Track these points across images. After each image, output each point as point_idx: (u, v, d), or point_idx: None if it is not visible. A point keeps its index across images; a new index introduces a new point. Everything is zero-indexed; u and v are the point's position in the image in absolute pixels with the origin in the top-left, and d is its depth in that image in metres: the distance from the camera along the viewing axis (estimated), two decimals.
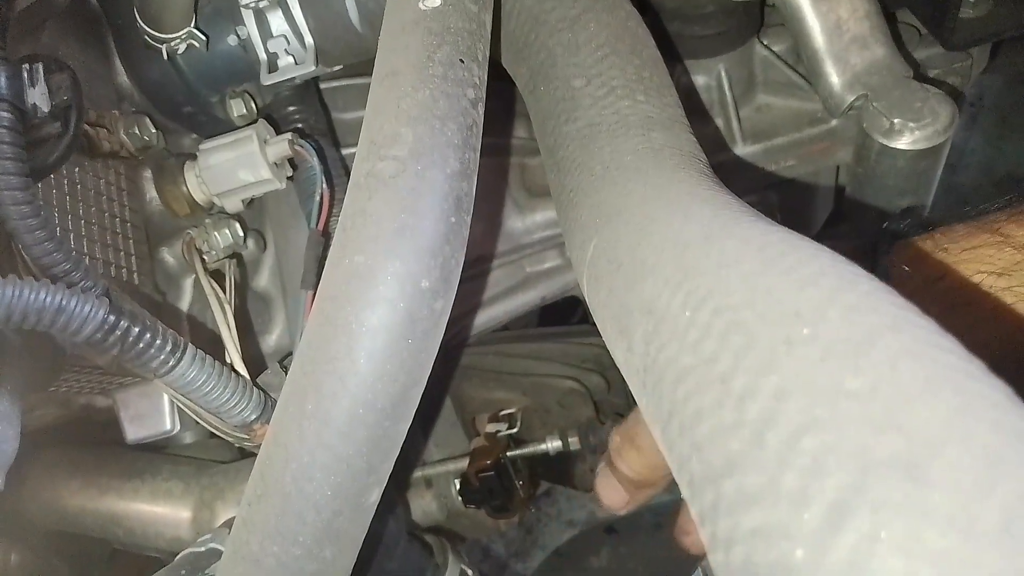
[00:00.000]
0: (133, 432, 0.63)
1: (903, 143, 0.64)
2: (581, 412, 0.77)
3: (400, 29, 0.42)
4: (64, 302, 0.39)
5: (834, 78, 0.68)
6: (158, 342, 0.42)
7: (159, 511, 0.70)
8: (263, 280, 0.73)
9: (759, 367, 0.24)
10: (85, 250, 0.49)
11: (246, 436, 0.49)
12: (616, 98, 0.49)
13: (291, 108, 0.67)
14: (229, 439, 0.50)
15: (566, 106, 0.51)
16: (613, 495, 0.58)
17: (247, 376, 0.49)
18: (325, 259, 0.59)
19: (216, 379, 0.44)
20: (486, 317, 0.87)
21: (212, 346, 0.63)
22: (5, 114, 0.37)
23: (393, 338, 0.35)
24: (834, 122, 0.75)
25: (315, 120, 0.68)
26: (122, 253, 0.53)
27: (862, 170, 0.71)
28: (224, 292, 0.54)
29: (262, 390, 0.50)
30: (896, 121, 0.64)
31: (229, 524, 0.66)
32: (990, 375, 0.22)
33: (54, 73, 0.40)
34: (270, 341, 0.74)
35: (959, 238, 0.50)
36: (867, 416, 0.21)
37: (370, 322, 0.35)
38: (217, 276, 0.60)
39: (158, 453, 0.74)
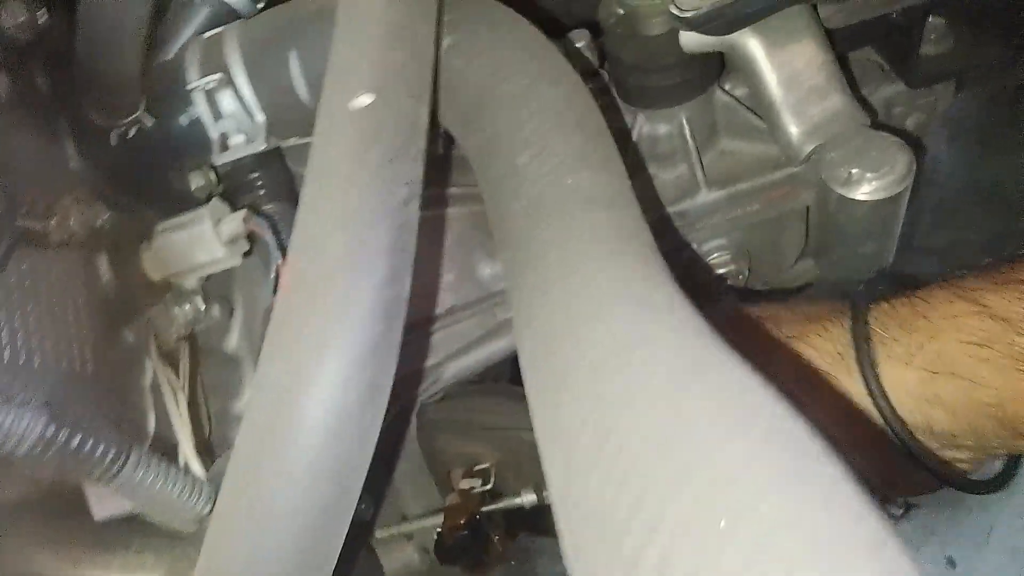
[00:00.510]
0: (100, 511, 0.63)
1: (861, 194, 0.64)
2: None
3: (331, 129, 0.42)
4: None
5: (792, 128, 0.68)
6: (100, 451, 0.42)
7: None
8: (232, 343, 0.73)
9: (650, 523, 0.24)
10: (35, 345, 0.49)
11: (200, 524, 0.49)
12: (559, 175, 0.49)
13: (253, 175, 0.67)
14: (184, 528, 0.50)
15: (512, 183, 0.51)
16: None
17: (200, 469, 0.49)
18: None
19: (163, 480, 0.44)
20: (459, 367, 0.87)
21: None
22: None
23: (319, 459, 0.35)
24: (796, 167, 0.75)
25: (277, 182, 0.69)
26: (75, 344, 0.53)
27: (823, 218, 0.71)
28: (179, 377, 0.54)
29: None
30: (854, 171, 0.64)
31: None
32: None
33: None
34: (239, 405, 0.74)
35: (939, 304, 0.51)
36: None
37: (292, 451, 0.35)
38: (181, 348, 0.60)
39: (130, 523, 0.74)
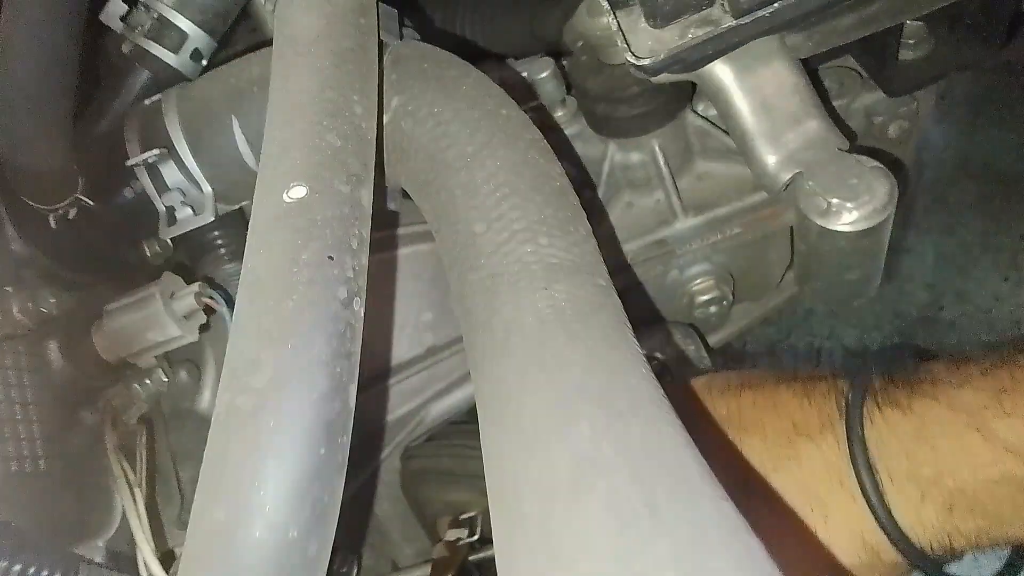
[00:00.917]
0: None
1: (841, 224, 0.61)
2: None
3: (264, 227, 0.39)
4: None
5: (767, 158, 0.64)
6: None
7: None
8: (204, 403, 0.71)
9: None
10: None
11: None
12: (518, 243, 0.47)
13: (212, 234, 0.64)
14: None
15: (468, 253, 0.48)
16: None
17: (158, 571, 0.47)
18: None
19: None
20: (443, 407, 0.85)
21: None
22: None
23: None
24: None
25: (238, 240, 0.66)
26: (24, 441, 0.51)
27: (804, 248, 0.68)
28: (135, 470, 0.52)
29: None
30: (833, 201, 0.61)
31: None
32: None
33: None
34: None
35: (944, 428, 0.46)
36: None
37: None
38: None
39: None
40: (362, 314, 0.39)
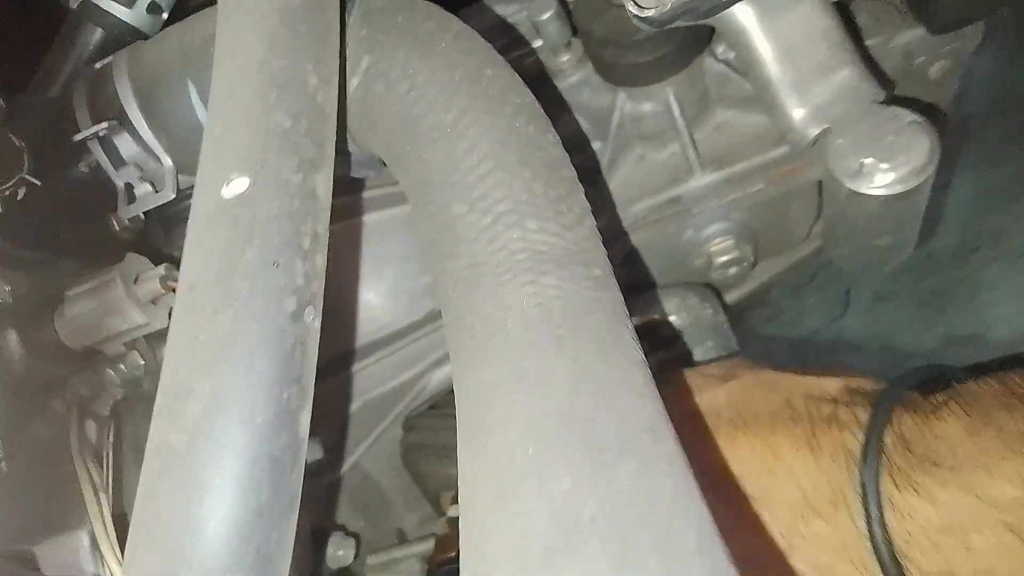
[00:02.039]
0: None
1: (874, 188, 0.54)
2: None
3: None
4: None
5: (793, 111, 0.57)
6: None
7: None
8: None
9: None
10: None
11: None
12: (503, 227, 0.41)
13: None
14: None
15: (447, 238, 0.43)
16: None
17: None
18: None
19: None
20: (445, 374, 0.81)
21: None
22: None
23: None
24: None
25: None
26: None
27: (831, 212, 0.62)
28: (102, 474, 0.49)
29: None
30: (866, 162, 0.54)
31: None
32: None
33: None
34: None
35: (976, 515, 0.40)
36: None
37: None
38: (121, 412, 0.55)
39: None
40: (317, 326, 0.34)
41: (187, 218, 0.59)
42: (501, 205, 0.42)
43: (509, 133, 0.44)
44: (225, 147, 0.35)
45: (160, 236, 0.62)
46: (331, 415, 0.74)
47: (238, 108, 0.36)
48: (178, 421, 0.30)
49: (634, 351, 0.37)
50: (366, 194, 0.73)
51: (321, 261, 0.35)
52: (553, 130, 0.46)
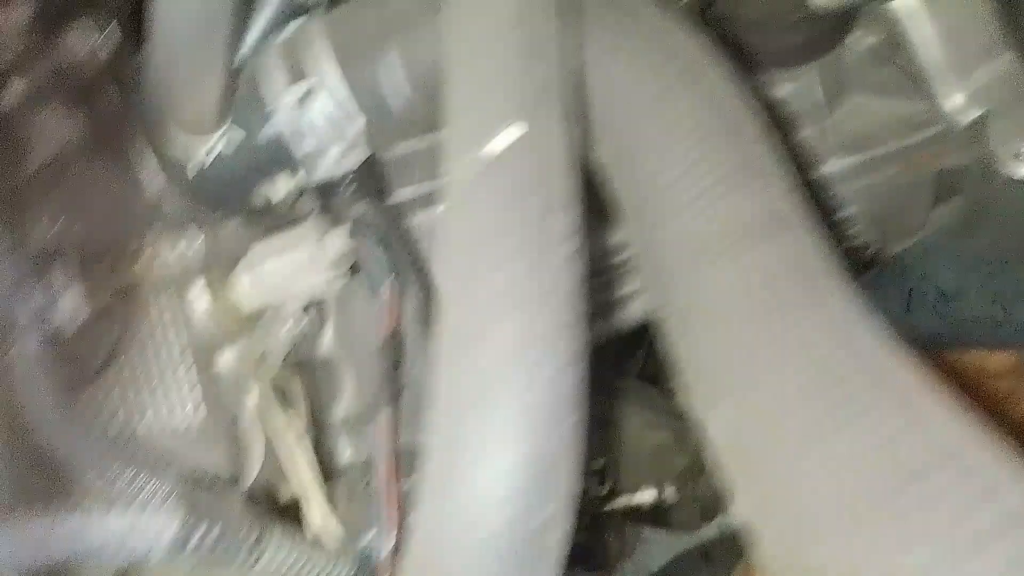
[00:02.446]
0: None
1: None
2: (677, 462, 0.72)
3: (468, 187, 0.35)
4: (135, 525, 0.35)
5: (953, 94, 0.59)
6: (240, 537, 0.38)
7: None
8: (324, 347, 0.68)
9: None
10: (149, 412, 0.45)
11: None
12: (717, 197, 0.42)
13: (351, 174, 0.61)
14: None
15: (655, 206, 0.43)
16: None
17: (335, 531, 0.45)
18: (398, 367, 0.55)
19: (303, 561, 0.40)
20: None
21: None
22: (34, 345, 0.33)
23: None
24: (941, 126, 0.66)
25: (367, 176, 0.62)
26: (179, 389, 0.49)
27: (984, 197, 0.63)
28: (301, 418, 0.50)
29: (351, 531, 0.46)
30: None
31: None
32: None
33: (84, 276, 0.35)
34: (339, 410, 0.70)
35: None
36: None
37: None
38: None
39: None
40: (583, 275, 0.35)
41: (343, 190, 0.61)
42: (715, 173, 0.42)
43: (718, 103, 0.45)
44: (488, 101, 0.36)
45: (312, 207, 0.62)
46: None
47: (497, 63, 0.37)
48: (475, 364, 0.31)
49: (865, 311, 0.38)
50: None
51: (581, 211, 0.36)
52: (757, 104, 0.47)
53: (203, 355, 0.54)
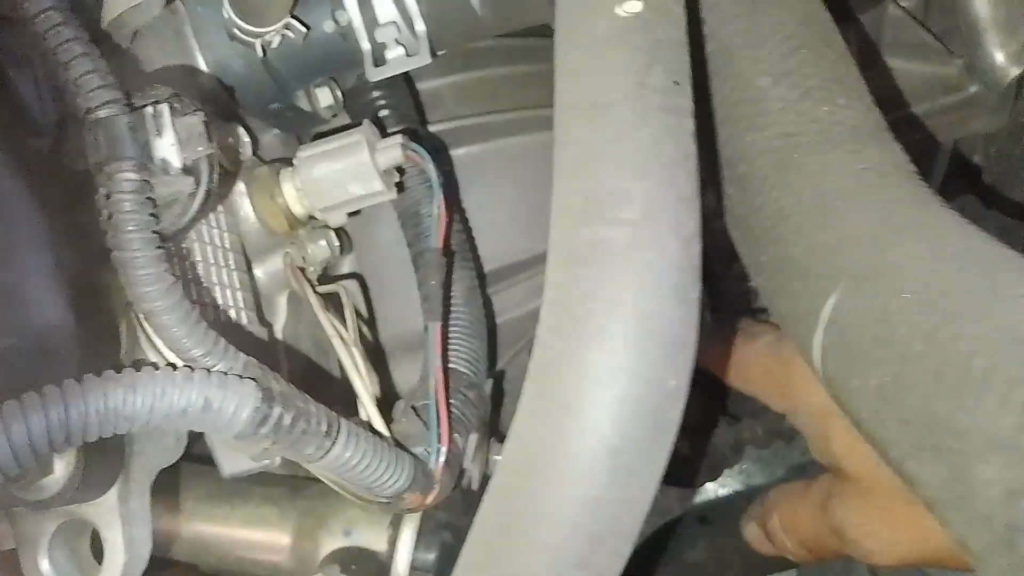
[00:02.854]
0: (230, 466, 0.57)
1: None
2: (685, 416, 0.72)
3: (597, 43, 0.34)
4: (211, 396, 0.32)
5: (998, 49, 0.60)
6: (312, 426, 0.36)
7: (254, 538, 0.65)
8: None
9: None
10: (195, 296, 0.42)
11: (392, 503, 0.43)
12: (813, 102, 0.42)
13: (377, 92, 0.59)
14: (374, 506, 0.44)
15: (748, 110, 0.43)
16: (764, 547, 0.60)
17: (389, 435, 0.43)
18: (449, 283, 0.53)
19: (370, 456, 0.38)
20: None
21: (312, 374, 0.57)
22: (131, 176, 0.30)
23: (639, 456, 0.29)
24: (972, 89, 0.67)
25: (403, 103, 0.60)
26: (228, 289, 0.46)
27: (1018, 152, 0.64)
28: (344, 325, 0.47)
29: (403, 447, 0.44)
30: None
31: (335, 558, 0.61)
32: None
33: (182, 117, 0.33)
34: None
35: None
36: None
37: (613, 439, 0.29)
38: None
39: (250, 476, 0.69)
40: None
41: (377, 109, 0.59)
42: (810, 81, 0.42)
43: (810, 16, 0.45)
44: None
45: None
46: None
47: None
48: (613, 223, 0.30)
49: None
50: (506, 116, 0.73)
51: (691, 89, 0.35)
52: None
53: (245, 263, 0.52)
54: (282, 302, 0.57)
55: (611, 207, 0.30)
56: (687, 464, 0.76)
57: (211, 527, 0.66)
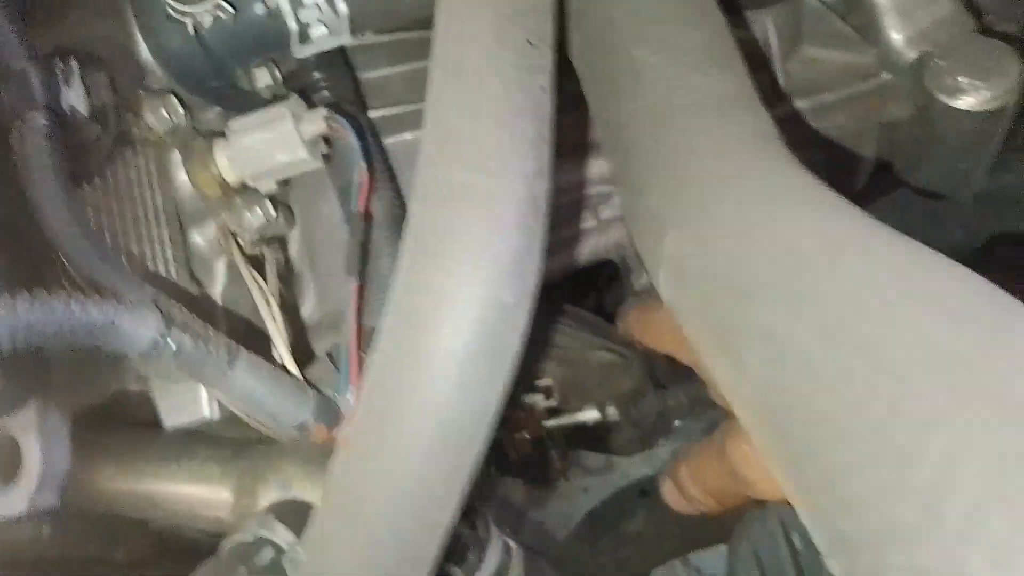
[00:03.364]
0: (171, 419, 0.61)
1: (968, 103, 0.60)
2: (621, 384, 0.75)
3: (466, 10, 0.38)
4: (115, 319, 0.36)
5: (896, 33, 0.64)
6: (211, 350, 0.40)
7: (198, 493, 0.69)
8: (291, 254, 0.70)
9: (922, 422, 0.22)
10: (121, 246, 0.46)
11: (298, 435, 0.47)
12: (686, 73, 0.46)
13: (317, 74, 0.63)
14: (279, 438, 0.48)
15: (627, 81, 0.47)
16: (679, 503, 0.62)
17: (299, 374, 0.47)
18: (366, 245, 0.57)
19: (270, 385, 0.42)
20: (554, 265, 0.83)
21: (249, 335, 0.61)
22: (43, 122, 0.34)
23: (478, 362, 0.33)
24: (886, 76, 0.71)
25: (342, 85, 0.65)
26: (157, 244, 0.50)
27: (920, 131, 0.68)
28: (265, 281, 0.51)
29: (314, 387, 0.48)
30: (962, 80, 0.60)
31: (273, 509, 0.65)
32: None
33: (90, 69, 0.37)
34: (300, 316, 0.71)
35: None
36: None
37: (454, 347, 0.33)
38: (254, 261, 0.57)
39: (195, 434, 0.72)
40: (554, 108, 0.38)
41: (316, 89, 0.63)
42: (684, 53, 0.46)
43: None
44: None
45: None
46: None
47: None
48: (459, 163, 0.34)
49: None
50: None
51: (555, 55, 0.39)
52: (716, 4, 0.51)
53: (175, 226, 0.56)
54: (220, 267, 0.61)
55: (460, 150, 0.34)
56: (619, 432, 0.80)
57: (159, 485, 0.70)
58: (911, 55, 0.63)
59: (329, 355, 0.51)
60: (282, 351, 0.47)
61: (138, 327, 0.36)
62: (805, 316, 0.27)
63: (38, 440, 0.39)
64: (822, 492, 0.24)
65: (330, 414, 0.46)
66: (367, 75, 0.71)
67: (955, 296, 0.25)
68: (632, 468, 0.95)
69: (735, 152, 0.41)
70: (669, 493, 0.65)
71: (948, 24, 0.62)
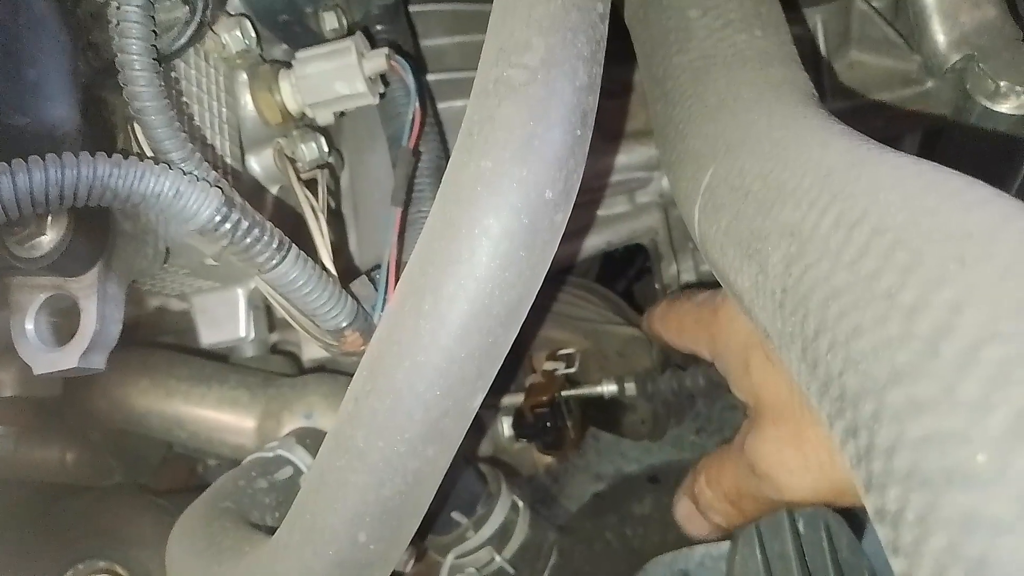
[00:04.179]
0: (208, 336, 0.64)
1: (1007, 107, 0.62)
2: (640, 361, 0.77)
3: None
4: (182, 188, 0.39)
5: (940, 36, 0.66)
6: (266, 238, 0.42)
7: (224, 418, 0.72)
8: (337, 198, 0.73)
9: (930, 282, 0.24)
10: (185, 128, 0.49)
11: (335, 343, 0.49)
12: (733, 31, 0.48)
13: (380, 27, 0.66)
14: (318, 344, 0.51)
15: (678, 36, 0.50)
16: (692, 521, 0.62)
17: (340, 283, 0.50)
18: (414, 177, 0.60)
19: (315, 282, 0.45)
20: (589, 245, 0.85)
21: None
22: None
23: (514, 246, 0.35)
24: (929, 84, 0.73)
25: (403, 41, 0.68)
26: (218, 154, 0.53)
27: (959, 134, 0.69)
28: (316, 200, 0.54)
29: (354, 298, 0.50)
30: (1003, 84, 0.62)
31: (296, 434, 0.67)
32: None
33: None
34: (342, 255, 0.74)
35: None
36: None
37: (493, 228, 0.35)
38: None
39: (225, 362, 0.75)
40: (607, 36, 0.41)
41: (380, 41, 0.66)
42: (732, 14, 0.49)
43: None
44: None
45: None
46: None
47: None
48: (516, 65, 0.36)
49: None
50: None
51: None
52: None
53: (237, 143, 0.59)
54: (269, 198, 0.64)
55: (517, 54, 0.37)
56: (633, 412, 0.81)
57: (187, 406, 0.73)
58: (954, 57, 0.65)
59: (369, 276, 0.53)
60: (327, 262, 0.49)
61: (202, 201, 0.39)
62: (829, 211, 0.29)
63: (96, 304, 0.41)
64: (833, 357, 0.26)
65: (367, 325, 0.48)
66: (425, 42, 0.74)
67: (969, 192, 0.27)
68: (644, 456, 0.96)
69: (772, 98, 0.43)
70: (683, 511, 0.64)
71: (992, 29, 0.64)
